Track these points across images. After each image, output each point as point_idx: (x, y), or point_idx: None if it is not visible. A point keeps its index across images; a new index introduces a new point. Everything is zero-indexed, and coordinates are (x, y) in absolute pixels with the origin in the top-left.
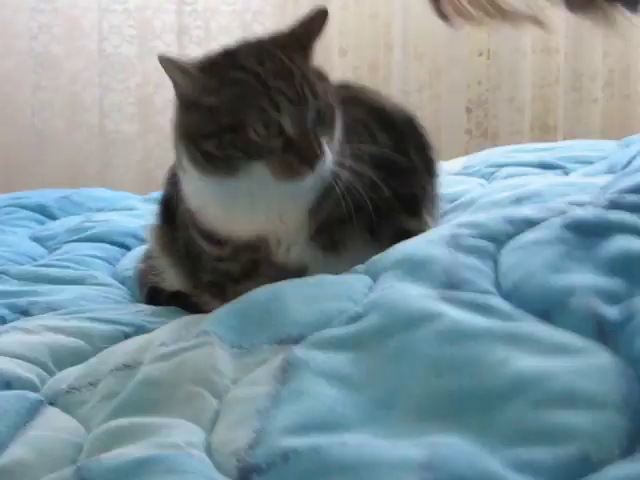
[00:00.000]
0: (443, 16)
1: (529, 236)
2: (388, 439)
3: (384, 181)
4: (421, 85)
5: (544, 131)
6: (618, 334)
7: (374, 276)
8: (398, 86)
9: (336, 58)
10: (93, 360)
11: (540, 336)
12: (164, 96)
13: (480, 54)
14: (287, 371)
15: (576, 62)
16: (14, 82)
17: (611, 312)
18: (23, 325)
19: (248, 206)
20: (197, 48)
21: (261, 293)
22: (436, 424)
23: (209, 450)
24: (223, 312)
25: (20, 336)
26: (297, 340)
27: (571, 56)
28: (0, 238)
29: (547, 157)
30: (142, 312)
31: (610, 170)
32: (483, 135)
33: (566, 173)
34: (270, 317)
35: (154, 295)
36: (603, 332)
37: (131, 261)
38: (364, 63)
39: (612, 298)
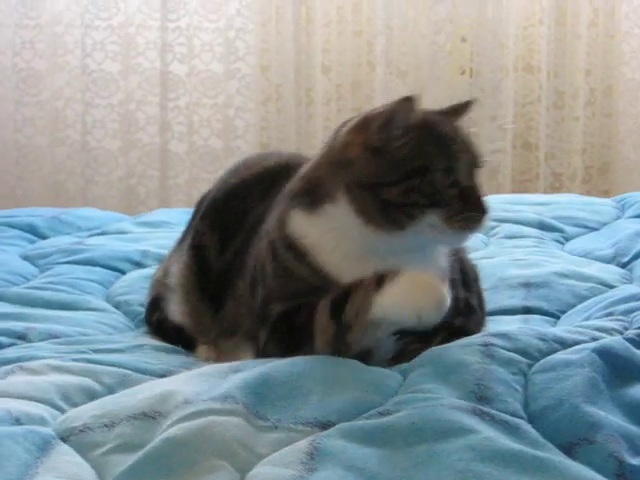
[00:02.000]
0: None
1: (560, 357)
2: None
3: None
4: None
5: (526, 149)
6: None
7: (404, 373)
8: (380, 104)
9: (319, 75)
10: (108, 399)
11: (565, 469)
12: (147, 113)
13: (462, 72)
14: (314, 458)
15: (558, 80)
16: None
17: (634, 459)
18: (28, 365)
19: (389, 254)
20: (180, 65)
21: (291, 365)
22: None
23: None
24: (251, 377)
25: (26, 377)
26: (325, 426)
27: (553, 74)
28: None
29: (545, 215)
30: (143, 347)
31: (617, 254)
32: None
33: (565, 238)
34: (299, 395)
35: (161, 326)
36: (623, 476)
37: (125, 285)
38: (347, 81)
39: (635, 447)
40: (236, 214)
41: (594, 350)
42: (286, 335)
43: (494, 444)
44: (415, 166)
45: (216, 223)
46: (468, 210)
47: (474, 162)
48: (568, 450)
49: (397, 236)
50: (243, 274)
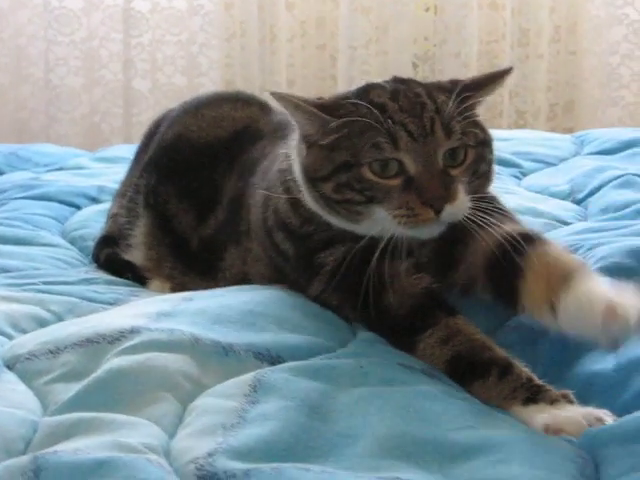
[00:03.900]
0: None
1: None
2: (350, 471)
3: None
4: (367, 40)
5: None
6: None
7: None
8: (345, 41)
9: (283, 12)
10: (55, 327)
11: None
12: (110, 50)
13: (427, 9)
14: (257, 391)
15: (522, 18)
16: None
17: None
18: None
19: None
20: (143, 2)
21: (246, 303)
22: (398, 463)
23: (168, 455)
24: (201, 309)
25: None
26: (275, 361)
27: (517, 12)
28: None
29: (503, 150)
30: (95, 280)
31: (573, 191)
32: None
33: (523, 173)
34: (252, 330)
35: (113, 261)
36: None
37: (80, 220)
38: (311, 17)
39: None
40: (206, 186)
41: None
42: (355, 285)
43: (439, 389)
44: (340, 162)
45: (182, 193)
46: (411, 206)
47: (428, 143)
48: None
49: (358, 229)
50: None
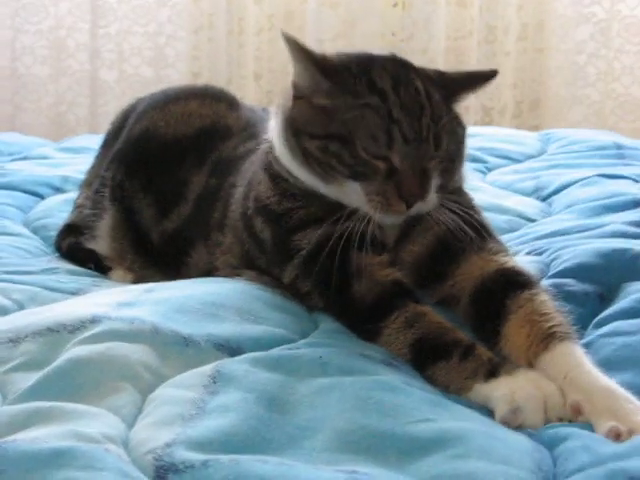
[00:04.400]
0: None
1: None
2: (308, 464)
3: None
4: (335, 35)
5: None
6: None
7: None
8: (313, 35)
9: (251, 5)
10: (16, 316)
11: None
12: (77, 40)
13: (395, 5)
14: (217, 381)
15: (490, 15)
16: None
17: None
18: None
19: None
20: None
21: (208, 293)
22: (356, 457)
23: (127, 445)
24: (163, 299)
25: None
26: (235, 352)
27: (485, 9)
28: None
29: (468, 146)
30: (56, 270)
31: (537, 188)
32: None
33: (488, 169)
34: (213, 320)
35: (75, 250)
36: None
37: (44, 210)
38: (279, 11)
39: None
40: (170, 182)
41: None
42: (327, 272)
43: (398, 379)
44: (336, 133)
45: (148, 188)
46: (388, 197)
47: (419, 148)
48: None
49: (326, 188)
50: (208, 229)
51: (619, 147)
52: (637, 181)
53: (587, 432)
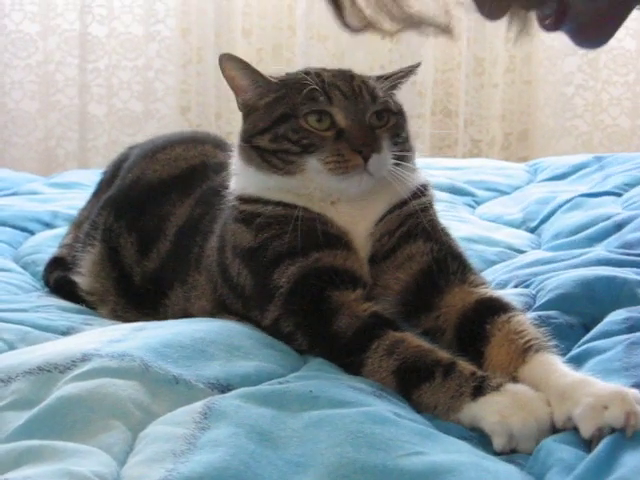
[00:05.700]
0: (348, 27)
1: None
2: None
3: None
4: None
5: (445, 115)
6: None
7: (307, 358)
8: (301, 68)
9: (240, 39)
10: (7, 355)
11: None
12: (66, 74)
13: (383, 37)
14: (208, 417)
15: (478, 47)
16: None
17: None
18: None
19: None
20: (100, 27)
21: (196, 330)
22: None
23: None
24: (152, 337)
25: None
26: (225, 389)
27: (473, 41)
28: None
29: (457, 179)
30: (47, 307)
31: (526, 219)
32: None
33: (477, 202)
34: (202, 358)
35: (63, 284)
36: None
37: (33, 245)
38: (267, 44)
39: None
40: (153, 218)
41: None
42: (307, 312)
43: (387, 411)
44: (279, 114)
45: (133, 226)
46: (342, 153)
47: (357, 102)
48: None
49: (291, 181)
50: (186, 271)
51: (599, 159)
52: (619, 195)
53: (574, 460)
